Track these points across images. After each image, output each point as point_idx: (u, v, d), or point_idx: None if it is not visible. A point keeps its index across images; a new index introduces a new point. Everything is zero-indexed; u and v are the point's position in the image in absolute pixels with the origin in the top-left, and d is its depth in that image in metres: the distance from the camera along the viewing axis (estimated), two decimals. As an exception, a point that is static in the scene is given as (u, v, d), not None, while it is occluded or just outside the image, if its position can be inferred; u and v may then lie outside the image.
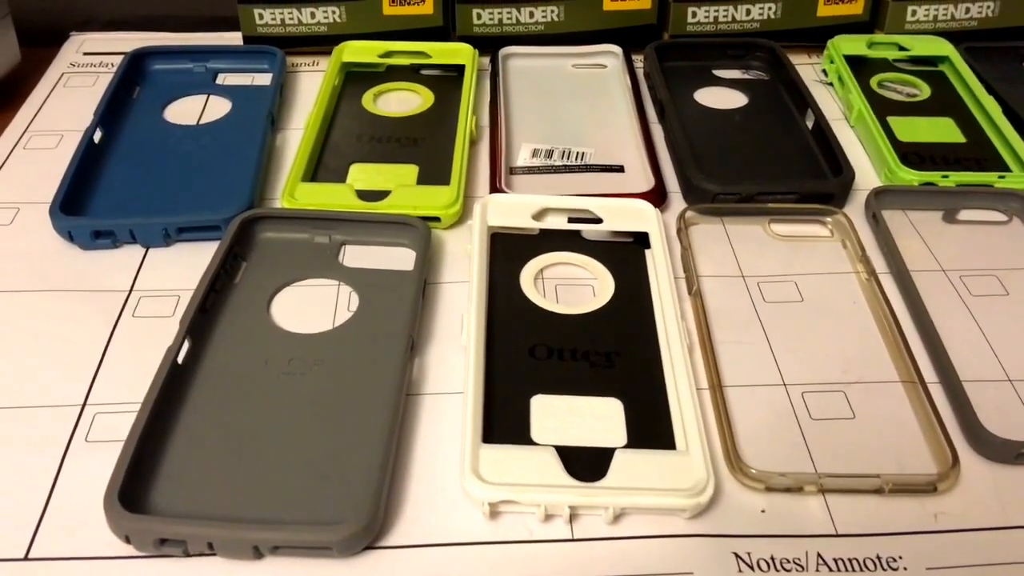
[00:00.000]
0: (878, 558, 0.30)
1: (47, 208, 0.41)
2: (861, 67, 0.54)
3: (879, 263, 0.41)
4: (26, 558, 0.29)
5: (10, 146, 0.48)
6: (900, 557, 0.30)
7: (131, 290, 0.39)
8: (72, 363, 0.35)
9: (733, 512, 0.31)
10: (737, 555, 0.30)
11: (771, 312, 0.38)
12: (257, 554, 0.29)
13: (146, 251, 0.41)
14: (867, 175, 0.47)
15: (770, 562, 0.29)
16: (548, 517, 0.30)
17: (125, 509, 0.28)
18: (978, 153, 0.47)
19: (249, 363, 0.35)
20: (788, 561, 0.29)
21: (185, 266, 0.40)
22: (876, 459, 0.32)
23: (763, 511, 0.31)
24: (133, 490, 0.30)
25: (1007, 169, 0.46)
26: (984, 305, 0.39)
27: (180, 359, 0.34)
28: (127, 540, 0.29)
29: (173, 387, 0.33)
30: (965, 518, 0.31)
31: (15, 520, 0.30)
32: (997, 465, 0.32)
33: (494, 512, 0.30)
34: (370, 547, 0.29)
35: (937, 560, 0.30)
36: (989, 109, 0.49)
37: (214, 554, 0.29)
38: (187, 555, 0.29)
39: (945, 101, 0.52)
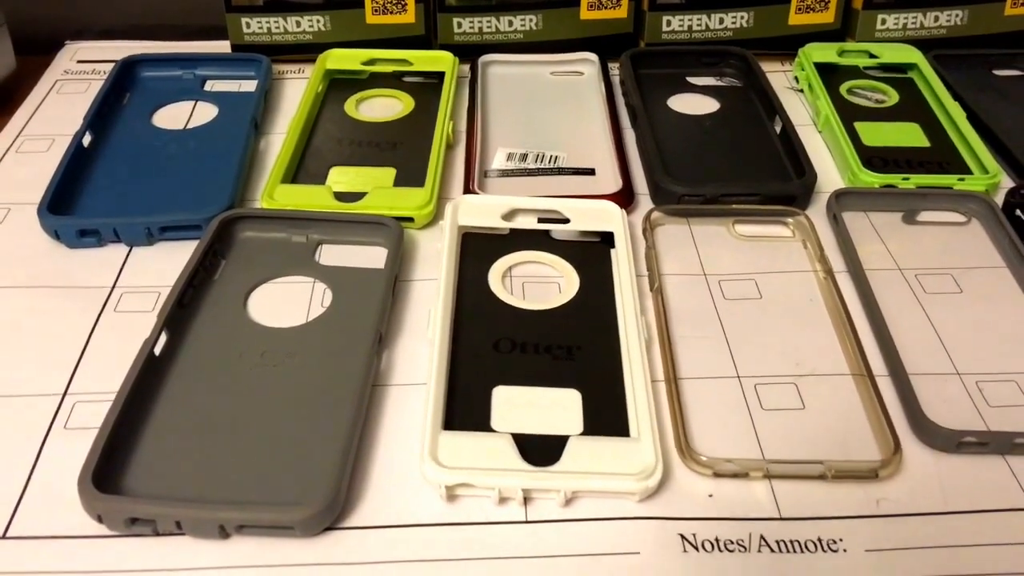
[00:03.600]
0: (819, 540, 0.31)
1: (35, 209, 0.43)
2: (832, 74, 0.55)
3: (837, 263, 0.42)
4: (4, 536, 0.30)
5: (3, 149, 0.49)
6: (840, 539, 0.31)
7: (114, 286, 0.41)
8: (54, 355, 0.37)
9: (682, 496, 0.32)
10: (683, 536, 0.31)
11: (730, 309, 0.40)
12: (223, 533, 0.30)
13: (129, 250, 0.43)
14: (832, 178, 0.48)
15: (714, 543, 0.31)
16: (503, 500, 0.32)
17: (98, 490, 0.30)
18: (941, 157, 0.49)
19: (224, 355, 0.36)
20: (732, 543, 0.31)
21: (167, 264, 0.41)
22: (823, 448, 0.34)
23: (711, 496, 0.32)
24: (106, 473, 0.31)
25: (968, 172, 0.47)
26: (937, 302, 0.40)
27: (157, 351, 0.36)
28: (99, 519, 0.30)
29: (149, 377, 0.35)
30: (906, 504, 0.32)
31: (-6, 501, 0.31)
32: (940, 454, 0.34)
33: (451, 495, 0.32)
34: (332, 527, 0.31)
35: (877, 543, 0.31)
36: (954, 114, 0.51)
37: (183, 533, 0.30)
38: (156, 534, 0.30)
39: (912, 107, 0.53)
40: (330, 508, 0.30)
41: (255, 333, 0.38)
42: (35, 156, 0.49)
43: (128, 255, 0.42)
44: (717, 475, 0.33)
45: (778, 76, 0.56)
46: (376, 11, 0.56)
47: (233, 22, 0.56)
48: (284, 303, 0.39)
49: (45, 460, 0.33)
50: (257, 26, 0.56)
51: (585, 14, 0.57)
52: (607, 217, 0.43)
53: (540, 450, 0.32)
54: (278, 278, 0.41)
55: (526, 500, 0.32)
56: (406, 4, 0.56)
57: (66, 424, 0.34)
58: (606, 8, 0.56)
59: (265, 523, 0.30)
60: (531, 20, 0.57)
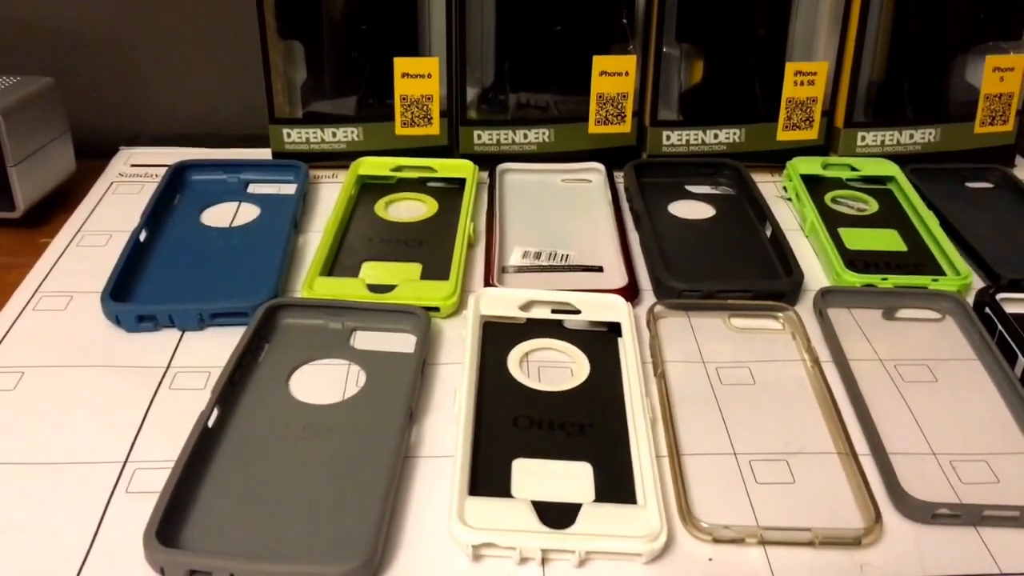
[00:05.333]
0: (808, 600, 0.34)
1: (96, 296, 0.47)
2: (817, 184, 0.60)
3: (824, 353, 0.46)
4: (73, 588, 0.34)
5: (65, 243, 0.55)
6: (828, 600, 0.34)
7: (168, 366, 0.45)
8: (116, 427, 0.41)
9: (684, 559, 0.35)
10: (686, 595, 0.34)
11: (727, 393, 0.44)
12: (272, 585, 0.33)
13: (182, 334, 0.47)
14: (818, 278, 0.53)
15: (714, 601, 0.34)
16: (523, 560, 0.35)
17: (161, 545, 0.33)
18: (917, 260, 0.54)
19: (269, 428, 0.40)
20: (730, 600, 0.34)
21: (216, 347, 0.46)
22: (811, 517, 0.37)
23: (711, 559, 0.36)
24: (168, 530, 0.35)
25: (942, 274, 0.52)
26: (914, 389, 0.44)
27: (210, 423, 0.40)
28: (161, 572, 0.34)
29: (204, 446, 0.39)
30: (887, 570, 0.35)
31: (65, 557, 0.35)
32: (917, 524, 0.37)
33: (477, 555, 0.35)
34: (369, 582, 0.34)
35: (861, 603, 0.34)
36: (928, 222, 0.56)
37: (235, 585, 0.34)
38: (212, 585, 0.34)
39: (891, 215, 0.58)
40: (368, 564, 0.34)
41: (297, 409, 0.42)
42: (94, 250, 0.54)
43: (181, 339, 0.47)
44: (716, 540, 0.36)
45: (768, 186, 0.62)
46: (405, 124, 0.62)
47: (275, 132, 0.62)
48: (323, 383, 0.43)
49: (109, 520, 0.36)
50: (297, 136, 0.62)
51: (593, 128, 0.63)
52: (614, 309, 0.48)
53: (556, 515, 0.36)
54: (317, 360, 0.45)
55: (544, 561, 0.35)
56: (431, 118, 0.62)
57: (128, 488, 0.38)
58: (612, 124, 0.63)
59: (311, 576, 0.33)
60: (544, 133, 0.63)
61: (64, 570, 0.34)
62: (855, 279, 0.50)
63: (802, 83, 0.61)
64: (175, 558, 0.33)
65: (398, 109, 0.61)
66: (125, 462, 0.39)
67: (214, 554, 0.34)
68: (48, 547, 0.35)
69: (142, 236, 0.53)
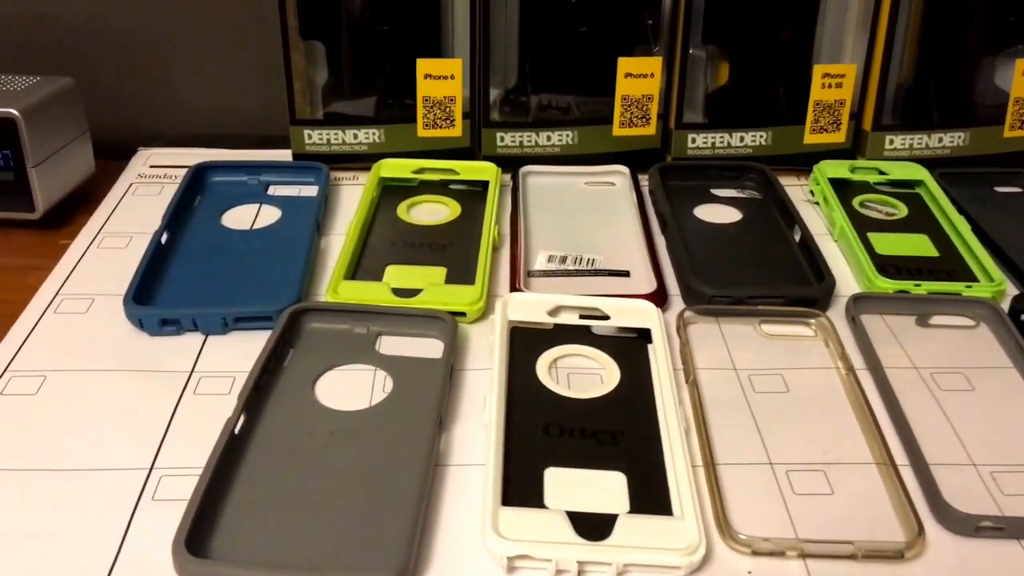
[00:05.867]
0: (851, 615, 0.33)
1: (118, 299, 0.47)
2: (844, 188, 0.60)
3: (857, 360, 0.46)
4: (100, 598, 0.33)
5: (85, 245, 0.54)
6: (871, 615, 0.33)
7: (192, 371, 0.44)
8: (140, 433, 0.40)
9: (723, 573, 0.35)
10: (726, 609, 0.33)
11: (760, 401, 0.43)
12: (304, 596, 0.33)
13: (205, 338, 0.46)
14: (848, 283, 0.52)
15: (755, 615, 0.33)
16: (559, 572, 0.34)
17: (191, 555, 0.33)
18: (949, 266, 0.53)
19: (296, 435, 0.40)
20: (771, 615, 0.33)
21: (240, 351, 0.45)
22: (851, 530, 0.36)
23: (749, 572, 0.35)
24: (197, 539, 0.34)
25: (975, 280, 0.51)
26: (952, 399, 0.43)
27: (237, 430, 0.39)
28: (191, 582, 0.33)
29: (231, 453, 0.38)
30: (931, 584, 0.35)
31: (90, 566, 0.34)
32: (959, 537, 0.36)
33: (511, 567, 0.34)
34: (402, 594, 0.33)
35: (905, 619, 0.33)
36: (960, 227, 0.55)
37: (266, 596, 0.33)
38: (243, 597, 0.33)
39: (921, 219, 0.57)
40: (402, 575, 0.33)
41: (324, 415, 0.41)
42: (115, 252, 0.53)
43: (204, 343, 0.46)
44: (755, 553, 0.35)
45: (794, 190, 0.61)
46: (427, 125, 0.61)
47: (296, 133, 0.61)
48: (349, 389, 0.43)
49: (135, 528, 0.36)
50: (318, 137, 0.61)
51: (617, 131, 0.62)
52: (644, 315, 0.47)
53: (591, 526, 0.35)
54: (342, 366, 0.44)
55: (580, 573, 0.34)
56: (454, 119, 0.61)
57: (154, 496, 0.37)
58: (636, 126, 0.62)
59: (344, 587, 0.33)
60: (567, 136, 0.62)
61: (90, 580, 0.34)
62: (888, 285, 0.50)
63: (830, 85, 0.60)
64: (206, 569, 0.33)
65: (420, 111, 0.61)
66: (151, 469, 0.39)
67: (245, 564, 0.33)
68: (72, 556, 0.34)
69: (163, 238, 0.52)
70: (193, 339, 0.46)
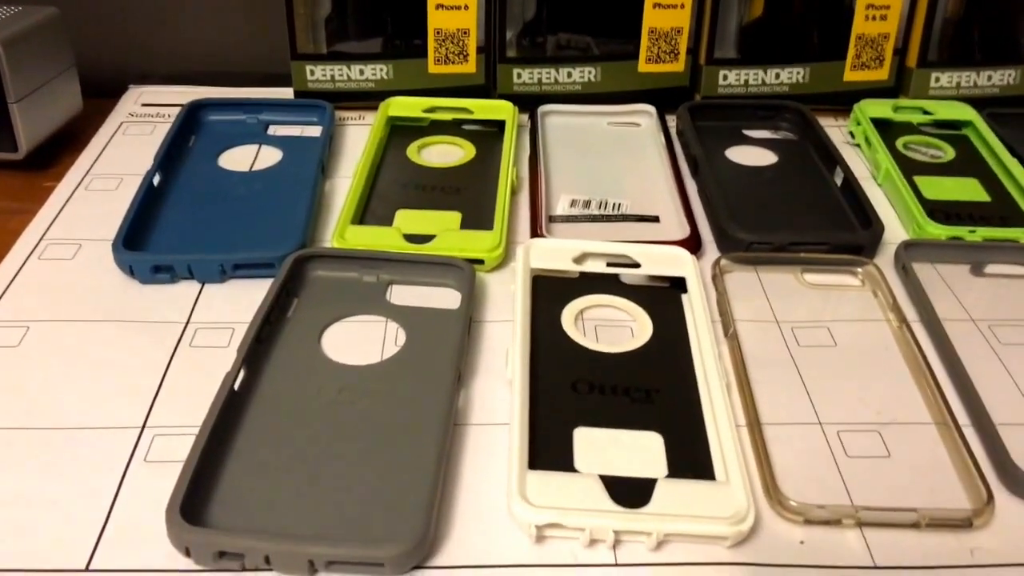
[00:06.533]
0: (917, 590, 0.30)
1: (107, 245, 0.43)
2: (886, 130, 0.56)
3: (909, 312, 0.42)
4: (87, 569, 0.30)
5: (72, 187, 0.50)
6: (938, 590, 0.30)
7: (188, 322, 0.41)
8: (132, 388, 0.37)
9: (772, 543, 0.32)
10: (778, 583, 0.30)
11: (805, 356, 0.40)
12: (312, 569, 0.30)
13: (202, 286, 0.43)
14: (894, 230, 0.48)
15: (810, 591, 0.30)
16: (592, 542, 0.31)
17: (186, 522, 0.30)
18: (1003, 211, 0.49)
19: (301, 391, 0.36)
20: (828, 590, 0.30)
21: (239, 301, 0.42)
22: (911, 495, 0.33)
23: (802, 542, 0.32)
24: (193, 505, 0.31)
25: (1032, 226, 0.47)
26: (1014, 353, 0.40)
27: (237, 386, 0.35)
28: (187, 553, 0.30)
29: (230, 411, 0.35)
30: (1001, 554, 0.31)
31: (77, 532, 0.31)
32: (1031, 504, 0.33)
33: (540, 536, 0.31)
34: (420, 566, 0.30)
35: (975, 594, 0.30)
36: (1012, 170, 0.51)
37: (270, 568, 0.30)
38: (244, 569, 0.30)
39: (969, 163, 0.53)
40: (421, 545, 0.30)
41: (331, 370, 0.38)
42: (104, 195, 0.50)
43: (200, 292, 0.42)
44: (808, 521, 0.32)
45: (831, 131, 0.57)
46: (438, 61, 0.57)
47: (298, 69, 0.57)
48: (358, 341, 0.39)
49: (126, 492, 0.33)
50: (321, 73, 0.57)
51: (643, 67, 0.58)
52: (678, 263, 0.43)
53: (627, 492, 0.32)
54: (351, 317, 0.41)
55: (616, 543, 0.31)
56: (468, 54, 0.57)
57: (146, 457, 0.34)
58: (664, 62, 0.57)
59: (356, 559, 0.29)
60: (590, 72, 0.58)
61: (76, 548, 0.31)
62: (940, 231, 0.46)
63: (874, 17, 0.56)
64: (204, 538, 0.30)
65: (431, 44, 0.56)
66: (143, 428, 0.35)
67: (247, 534, 0.30)
68: (58, 523, 0.31)
69: (156, 180, 0.48)
70: (188, 288, 0.43)
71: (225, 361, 0.36)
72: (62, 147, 0.54)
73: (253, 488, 0.32)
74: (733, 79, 0.58)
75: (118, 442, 0.35)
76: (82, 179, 0.51)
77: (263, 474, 0.33)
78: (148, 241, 0.45)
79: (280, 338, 0.39)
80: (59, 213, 0.48)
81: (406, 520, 0.30)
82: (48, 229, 0.47)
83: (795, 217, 0.48)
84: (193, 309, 0.41)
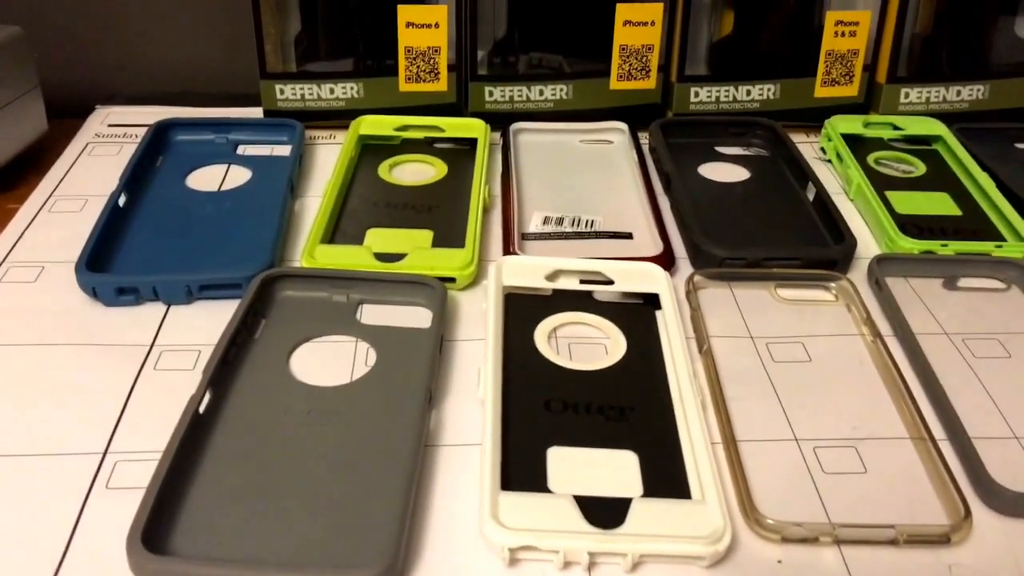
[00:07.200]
0: (896, 607, 0.30)
1: (71, 267, 0.42)
2: (857, 145, 0.56)
3: (883, 327, 0.42)
4: (45, 601, 0.29)
5: (35, 209, 0.49)
6: (917, 607, 0.30)
7: (153, 344, 0.40)
8: (94, 413, 0.36)
9: (749, 562, 0.31)
10: (755, 603, 0.30)
11: (780, 371, 0.39)
12: (278, 597, 0.29)
13: (167, 308, 0.42)
14: (867, 245, 0.48)
15: (789, 610, 0.29)
16: (567, 564, 0.30)
17: (148, 551, 0.29)
18: (974, 225, 0.49)
19: (269, 413, 0.35)
20: (806, 610, 0.30)
21: (206, 323, 0.41)
22: (889, 511, 0.33)
23: (779, 561, 0.31)
24: (155, 533, 0.30)
25: (1003, 239, 0.48)
26: (988, 367, 0.40)
27: (202, 409, 0.35)
28: (147, 582, 0.29)
29: (195, 435, 0.34)
30: (979, 570, 0.31)
31: (36, 563, 0.30)
32: (1009, 519, 0.33)
33: (513, 559, 0.30)
34: (390, 592, 0.29)
35: (954, 611, 0.30)
36: (983, 184, 0.51)
37: (235, 597, 0.29)
38: (208, 598, 0.29)
39: (940, 177, 0.54)
40: (391, 570, 0.29)
41: (300, 392, 0.37)
42: (68, 216, 0.49)
43: (166, 313, 0.42)
44: (785, 540, 0.32)
45: (803, 147, 0.57)
46: (409, 79, 0.57)
47: (267, 88, 0.56)
48: (328, 362, 0.39)
49: (87, 520, 0.32)
50: (291, 92, 0.56)
51: (614, 84, 0.58)
52: (651, 279, 0.43)
53: (602, 512, 0.31)
54: (320, 337, 0.40)
55: (591, 565, 0.31)
56: (439, 72, 0.57)
57: (108, 483, 0.33)
58: (635, 79, 0.57)
59: (324, 586, 0.29)
60: (561, 90, 0.58)
61: (34, 580, 0.29)
62: (912, 245, 0.46)
63: (843, 34, 0.56)
64: (166, 567, 0.29)
65: (402, 63, 0.56)
66: (104, 453, 0.34)
67: (210, 561, 0.29)
68: (16, 551, 0.30)
69: (121, 200, 0.47)
70: (154, 309, 0.42)
71: (191, 384, 0.36)
72: (26, 169, 0.54)
73: (219, 514, 0.31)
74: (704, 96, 0.58)
75: (79, 468, 0.33)
76: (46, 201, 0.50)
77: (229, 499, 0.32)
78: (112, 262, 0.44)
79: (247, 359, 0.38)
80: (21, 235, 0.47)
81: (376, 544, 0.30)
82: (10, 252, 0.46)
83: (768, 233, 0.48)
84: (158, 331, 0.41)
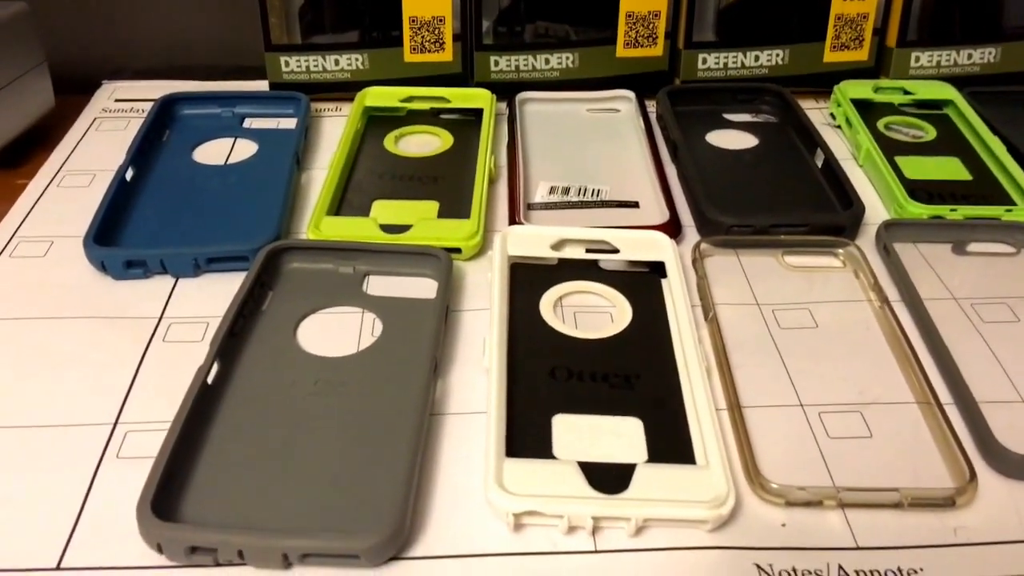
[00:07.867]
0: (899, 570, 0.30)
1: (79, 241, 0.43)
2: (867, 111, 0.55)
3: (891, 292, 0.42)
4: (58, 567, 0.30)
5: (44, 184, 0.49)
6: (921, 569, 0.30)
7: (161, 317, 0.40)
8: (104, 384, 0.36)
9: (754, 525, 0.31)
10: (759, 566, 0.30)
11: (786, 338, 0.39)
12: (286, 563, 0.29)
13: (176, 281, 0.42)
14: (876, 210, 0.48)
15: (791, 573, 0.30)
16: (571, 529, 0.31)
17: (157, 518, 0.29)
18: (984, 190, 0.49)
19: (276, 384, 0.36)
20: (810, 572, 0.30)
21: (213, 295, 0.41)
22: (894, 476, 0.33)
23: (783, 525, 0.31)
24: (165, 501, 0.30)
25: (1013, 203, 0.47)
26: (996, 331, 0.40)
27: (210, 380, 0.35)
28: (159, 549, 0.29)
29: (203, 405, 0.34)
30: (984, 532, 0.31)
31: (48, 531, 0.31)
32: (1014, 481, 0.33)
33: (518, 524, 0.31)
34: (396, 557, 0.30)
35: (958, 573, 0.30)
36: (994, 148, 0.51)
37: (244, 563, 0.29)
38: (217, 564, 0.29)
39: (950, 142, 0.53)
40: (396, 535, 0.29)
41: (307, 362, 0.37)
42: (77, 191, 0.49)
43: (174, 286, 0.42)
44: (789, 503, 0.32)
45: (811, 113, 0.56)
46: (414, 49, 0.56)
47: (272, 61, 0.56)
48: (334, 333, 0.39)
49: (98, 489, 0.32)
50: (296, 64, 0.56)
51: (621, 52, 0.57)
52: (657, 247, 0.43)
53: (606, 477, 0.32)
54: (326, 308, 0.40)
55: (595, 530, 0.31)
56: (444, 42, 0.56)
57: (118, 453, 0.33)
58: (642, 46, 0.57)
59: (331, 551, 0.29)
60: (567, 58, 0.57)
61: (48, 547, 0.30)
62: (921, 210, 0.46)
63: (852, -3, 0.55)
64: (174, 533, 0.29)
65: (407, 33, 0.56)
66: (115, 424, 0.35)
67: (219, 528, 0.30)
68: (29, 521, 0.31)
69: (128, 175, 0.48)
70: (162, 282, 0.42)
71: (199, 355, 0.36)
72: (34, 144, 0.54)
73: (226, 482, 0.32)
74: (712, 63, 0.57)
75: (90, 439, 0.34)
76: (54, 176, 0.50)
77: (236, 468, 0.32)
78: (120, 236, 0.44)
79: (255, 331, 0.38)
80: (31, 210, 0.47)
81: (382, 511, 0.30)
82: (19, 227, 0.46)
83: (776, 199, 0.48)
84: (167, 304, 0.41)
